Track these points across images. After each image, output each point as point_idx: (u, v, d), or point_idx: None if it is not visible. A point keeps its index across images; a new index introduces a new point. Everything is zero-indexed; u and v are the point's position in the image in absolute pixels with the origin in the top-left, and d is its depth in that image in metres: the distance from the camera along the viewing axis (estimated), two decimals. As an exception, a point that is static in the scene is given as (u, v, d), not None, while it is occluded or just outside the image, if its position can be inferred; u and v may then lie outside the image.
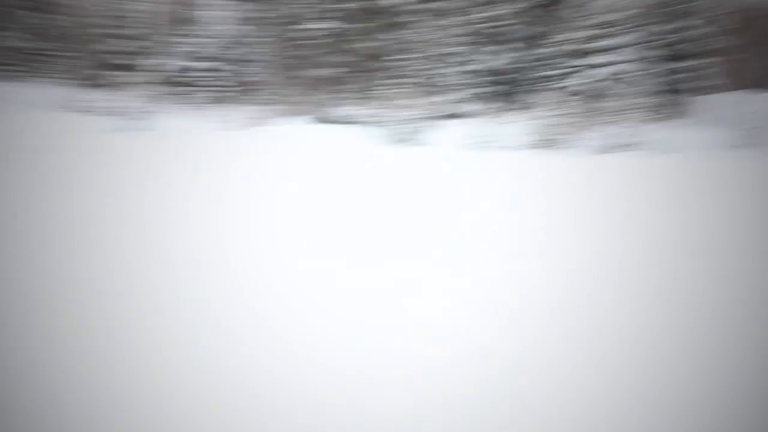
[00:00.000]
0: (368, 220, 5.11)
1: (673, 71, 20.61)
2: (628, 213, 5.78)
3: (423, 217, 5.34)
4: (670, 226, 5.27)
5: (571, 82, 18.87)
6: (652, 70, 18.70)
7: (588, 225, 5.23)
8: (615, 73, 17.60)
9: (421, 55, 22.41)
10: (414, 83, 21.51)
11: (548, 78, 20.36)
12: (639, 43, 18.52)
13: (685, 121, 18.64)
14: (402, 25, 23.43)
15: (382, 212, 5.47)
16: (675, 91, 20.39)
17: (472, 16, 23.46)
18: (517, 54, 25.59)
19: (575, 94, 17.32)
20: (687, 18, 20.66)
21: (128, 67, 18.37)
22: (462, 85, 22.65)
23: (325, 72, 21.78)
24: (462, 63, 23.39)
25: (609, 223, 5.30)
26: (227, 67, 22.77)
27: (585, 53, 18.90)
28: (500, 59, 23.87)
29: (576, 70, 19.10)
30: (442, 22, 23.01)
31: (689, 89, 20.34)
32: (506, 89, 24.34)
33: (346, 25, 23.30)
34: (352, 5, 23.52)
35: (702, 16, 20.53)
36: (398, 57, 22.23)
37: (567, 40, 20.10)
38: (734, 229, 5.20)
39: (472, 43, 23.23)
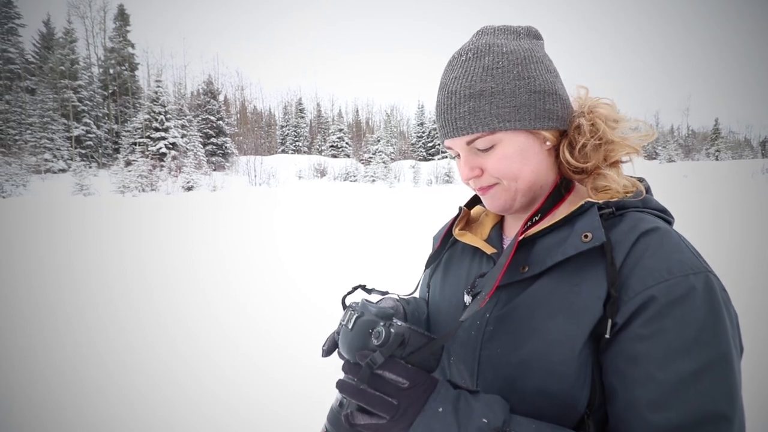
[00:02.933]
0: None
1: (214, 144, 33.31)
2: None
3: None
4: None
5: (146, 147, 27.06)
6: (199, 142, 30.02)
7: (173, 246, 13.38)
8: (172, 143, 27.35)
9: (11, 120, 24.32)
10: (20, 144, 23.17)
11: (131, 144, 27.72)
12: (184, 126, 29.50)
13: (225, 171, 31.03)
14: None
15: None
16: (216, 154, 33.01)
17: (59, 95, 27.62)
18: (100, 126, 31.75)
19: (149, 155, 25.69)
20: (212, 113, 33.95)
21: None
22: (60, 145, 26.36)
23: None
24: (58, 130, 27.10)
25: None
26: None
27: (149, 129, 27.75)
28: (86, 128, 29.22)
29: (146, 139, 27.53)
30: (36, 96, 25.93)
31: (224, 154, 33.56)
32: (95, 151, 29.90)
33: None
34: None
35: (219, 113, 34.39)
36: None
37: (135, 120, 28.44)
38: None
39: (63, 115, 27.37)
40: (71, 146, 29.67)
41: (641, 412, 0.52)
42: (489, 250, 0.72)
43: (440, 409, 0.52)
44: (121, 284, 5.33)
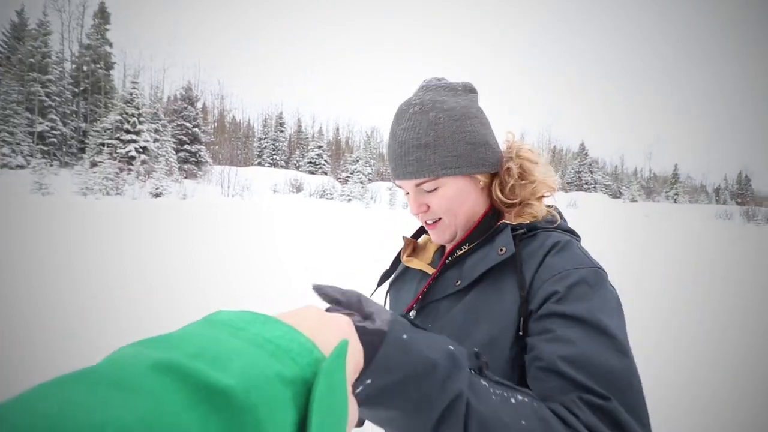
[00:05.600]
0: None
1: (188, 151, 32.44)
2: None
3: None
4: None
5: (114, 149, 26.01)
6: (171, 148, 29.16)
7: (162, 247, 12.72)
8: (143, 147, 26.43)
9: None
10: None
11: (99, 144, 26.58)
12: (158, 131, 28.65)
13: (197, 180, 30.15)
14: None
15: None
16: (189, 162, 32.12)
17: (25, 88, 26.23)
18: (66, 123, 30.29)
19: (117, 158, 24.67)
20: (188, 120, 33.20)
21: None
22: (23, 141, 24.85)
23: None
24: (20, 125, 25.55)
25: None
26: None
27: (119, 130, 26.78)
28: (51, 124, 27.69)
29: (115, 141, 26.50)
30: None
31: (197, 162, 32.70)
32: (59, 149, 28.38)
33: None
34: None
35: (196, 120, 33.69)
36: None
37: (105, 120, 27.37)
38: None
39: (28, 109, 25.94)
40: (33, 142, 28.12)
41: (557, 366, 0.58)
42: (431, 271, 0.82)
43: (405, 336, 0.51)
44: (66, 286, 4.90)
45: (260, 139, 50.95)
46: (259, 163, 47.33)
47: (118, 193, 20.93)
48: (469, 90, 0.81)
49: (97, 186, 19.91)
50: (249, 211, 17.00)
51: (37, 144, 28.52)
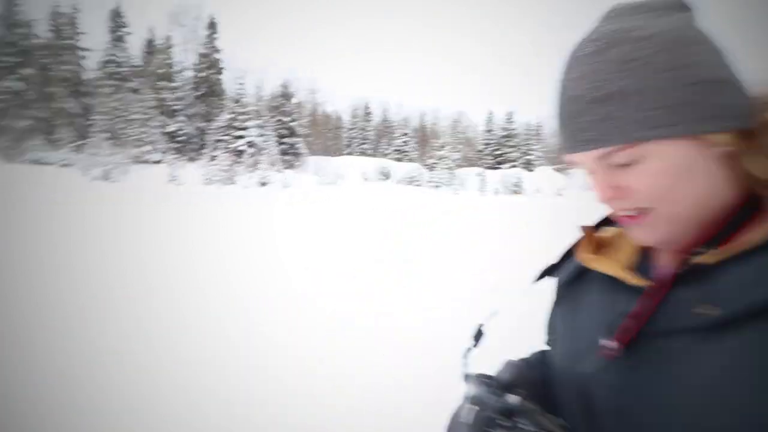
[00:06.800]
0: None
1: (287, 143, 35.20)
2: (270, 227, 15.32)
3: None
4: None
5: (227, 144, 29.28)
6: (273, 141, 31.88)
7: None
8: (250, 142, 29.30)
9: (119, 116, 28.10)
10: (115, 136, 26.59)
11: (215, 141, 30.19)
12: (261, 126, 31.52)
13: (295, 170, 32.58)
14: (89, 94, 28.01)
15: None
16: (288, 153, 34.81)
17: (156, 94, 31.22)
18: (190, 123, 34.80)
19: (231, 151, 27.75)
20: (286, 115, 35.81)
21: None
22: (157, 139, 29.66)
23: (24, 123, 23.38)
24: (155, 126, 30.48)
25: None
26: None
27: (230, 128, 30.01)
28: (179, 125, 32.25)
29: (227, 137, 29.77)
30: (138, 95, 29.76)
31: (295, 153, 35.29)
32: (185, 146, 32.79)
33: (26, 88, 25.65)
34: (30, 71, 26.10)
35: (293, 116, 36.19)
36: (93, 116, 26.85)
37: (219, 119, 30.92)
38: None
39: (161, 113, 30.89)
40: (166, 140, 32.97)
41: None
42: (635, 280, 0.50)
43: None
44: (216, 271, 5.82)
45: (349, 129, 53.14)
46: (349, 153, 49.49)
47: (232, 183, 23.62)
48: (680, 7, 0.49)
49: (216, 177, 22.71)
50: (344, 199, 17.99)
51: (169, 142, 33.31)
